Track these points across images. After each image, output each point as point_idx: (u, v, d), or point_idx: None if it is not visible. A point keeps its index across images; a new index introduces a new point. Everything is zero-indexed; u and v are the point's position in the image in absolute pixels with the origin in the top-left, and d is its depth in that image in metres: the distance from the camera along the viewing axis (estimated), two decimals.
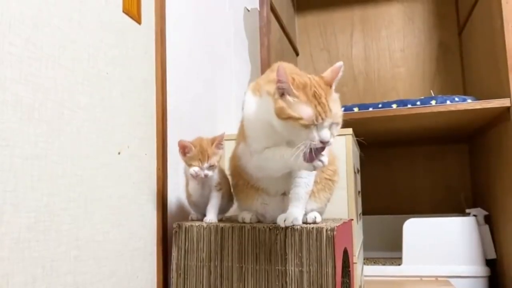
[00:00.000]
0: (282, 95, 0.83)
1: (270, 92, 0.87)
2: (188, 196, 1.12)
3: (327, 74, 0.88)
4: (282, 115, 0.83)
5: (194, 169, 1.03)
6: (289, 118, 0.82)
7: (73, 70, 0.82)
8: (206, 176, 1.04)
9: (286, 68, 0.83)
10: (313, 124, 0.81)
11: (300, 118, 0.81)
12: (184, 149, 1.06)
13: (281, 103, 0.83)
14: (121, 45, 0.98)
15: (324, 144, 0.82)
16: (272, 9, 2.16)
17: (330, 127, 0.83)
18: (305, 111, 0.81)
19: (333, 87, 0.87)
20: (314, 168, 0.85)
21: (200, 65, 1.45)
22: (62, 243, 0.77)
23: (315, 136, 0.81)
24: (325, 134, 0.82)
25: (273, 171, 0.95)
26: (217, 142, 1.07)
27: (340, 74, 0.88)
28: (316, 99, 0.82)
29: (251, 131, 0.95)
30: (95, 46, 0.89)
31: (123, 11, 0.99)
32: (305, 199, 0.96)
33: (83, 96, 0.85)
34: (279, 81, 0.83)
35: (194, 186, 1.08)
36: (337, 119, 0.84)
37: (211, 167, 1.04)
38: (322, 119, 0.81)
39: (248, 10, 1.96)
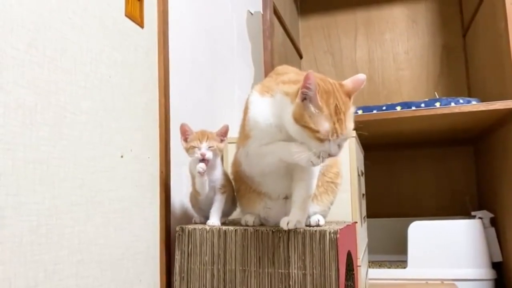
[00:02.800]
0: (304, 99, 0.82)
1: (288, 93, 0.86)
2: (193, 196, 1.12)
3: (347, 84, 0.87)
4: (300, 121, 0.82)
5: (195, 153, 1.03)
6: (306, 127, 0.82)
7: (75, 74, 0.83)
8: (203, 156, 1.02)
9: (315, 75, 0.82)
10: (327, 139, 0.81)
11: (317, 131, 0.81)
12: (184, 133, 1.07)
13: (301, 109, 0.82)
14: (123, 49, 0.98)
15: (331, 156, 0.84)
16: (275, 12, 2.16)
17: (340, 141, 0.84)
18: (324, 125, 0.81)
19: (352, 99, 0.86)
20: (313, 165, 0.85)
21: (202, 68, 1.45)
22: (64, 246, 0.77)
23: (326, 150, 0.82)
24: (335, 149, 0.83)
25: (268, 165, 0.94)
26: (220, 131, 1.09)
27: (362, 87, 0.87)
28: (336, 115, 0.82)
29: (256, 131, 0.93)
30: (98, 50, 0.89)
31: (126, 15, 0.99)
32: (307, 202, 0.96)
33: (85, 99, 0.85)
34: (306, 87, 0.81)
35: (202, 183, 1.06)
36: (349, 134, 0.85)
37: (210, 148, 1.04)
38: (337, 136, 0.82)
39: (251, 13, 1.96)
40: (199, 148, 1.03)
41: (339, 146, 0.84)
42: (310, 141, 0.82)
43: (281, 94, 0.88)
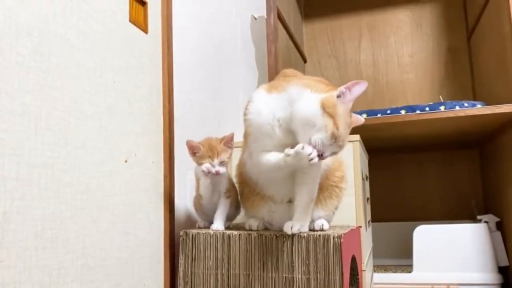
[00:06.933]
0: (338, 96, 0.88)
1: (309, 84, 0.91)
2: (197, 201, 1.12)
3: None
4: (329, 108, 0.87)
5: (206, 166, 1.03)
6: (332, 118, 0.86)
7: (80, 79, 0.83)
8: (218, 173, 1.03)
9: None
10: (333, 139, 0.86)
11: (337, 127, 0.86)
12: (192, 150, 1.06)
13: (335, 100, 0.88)
14: (128, 54, 0.99)
15: (319, 156, 0.87)
16: (279, 17, 2.17)
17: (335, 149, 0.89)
18: (343, 128, 0.88)
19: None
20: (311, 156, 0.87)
21: (207, 73, 1.45)
22: (69, 251, 0.78)
23: (326, 144, 0.86)
24: (329, 151, 0.88)
25: (271, 173, 0.95)
26: (226, 140, 1.07)
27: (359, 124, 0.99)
28: (348, 127, 0.90)
29: (252, 128, 0.95)
30: (102, 55, 0.90)
31: (130, 21, 1.00)
32: (310, 206, 0.96)
33: (89, 104, 0.85)
34: (351, 90, 0.88)
35: (206, 186, 1.06)
36: (342, 148, 0.91)
37: (222, 163, 1.04)
38: (342, 141, 0.88)
39: (255, 18, 1.97)
40: (213, 166, 1.03)
41: (331, 154, 0.89)
42: (321, 129, 0.86)
43: (299, 86, 0.91)
